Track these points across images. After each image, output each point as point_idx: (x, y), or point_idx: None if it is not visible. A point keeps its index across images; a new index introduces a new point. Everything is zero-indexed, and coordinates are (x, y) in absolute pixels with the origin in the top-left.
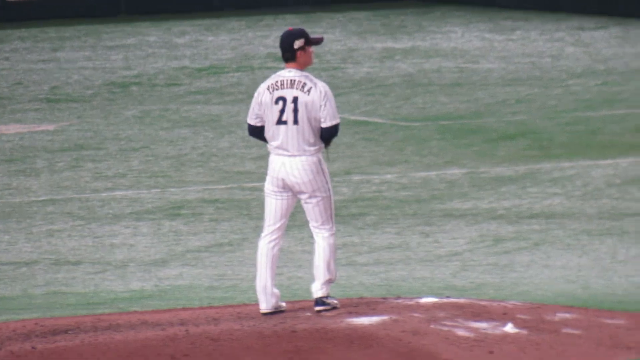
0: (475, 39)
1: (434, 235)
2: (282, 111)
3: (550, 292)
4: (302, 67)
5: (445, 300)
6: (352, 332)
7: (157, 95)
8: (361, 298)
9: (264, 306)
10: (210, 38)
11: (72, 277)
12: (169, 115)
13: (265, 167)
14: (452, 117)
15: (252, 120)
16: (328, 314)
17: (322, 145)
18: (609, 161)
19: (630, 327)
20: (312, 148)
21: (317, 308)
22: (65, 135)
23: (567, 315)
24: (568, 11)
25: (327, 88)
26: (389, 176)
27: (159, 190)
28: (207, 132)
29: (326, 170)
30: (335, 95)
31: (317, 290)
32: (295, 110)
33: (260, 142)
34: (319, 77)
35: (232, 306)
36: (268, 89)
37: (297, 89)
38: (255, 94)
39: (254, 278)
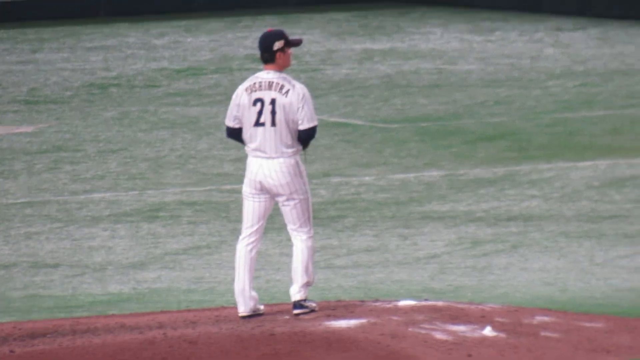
0: (454, 40)
1: (412, 237)
2: (260, 113)
3: (529, 295)
4: (280, 69)
5: (423, 303)
6: (331, 335)
7: (136, 96)
8: (339, 301)
9: (242, 309)
10: (189, 39)
11: (50, 280)
12: (148, 116)
13: (244, 169)
14: (431, 118)
15: (230, 122)
16: (306, 317)
17: (300, 147)
18: (588, 163)
19: (608, 331)
20: (290, 150)
21: (296, 311)
22: (43, 137)
23: (546, 319)
24: (547, 12)
25: (305, 90)
26: (367, 178)
27: (137, 192)
28: (185, 134)
29: (304, 173)
30: (314, 97)
31: (296, 293)
32: (273, 112)
33: (238, 144)
34: (298, 78)
35: (210, 309)
36: (246, 90)
37: (275, 90)
38: (234, 96)
39: (232, 281)
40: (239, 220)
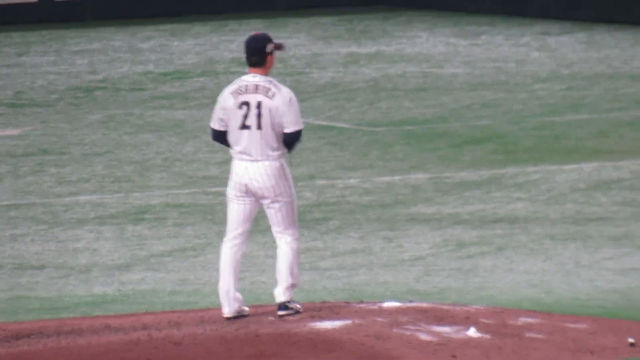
0: (440, 44)
1: (398, 240)
2: (245, 116)
3: (514, 297)
4: (267, 72)
5: (408, 304)
6: (315, 336)
7: (122, 100)
8: (324, 302)
9: (227, 310)
10: (175, 43)
11: (35, 281)
12: (133, 120)
13: (229, 172)
14: (417, 122)
15: (216, 125)
16: (291, 318)
17: (286, 150)
18: (574, 166)
19: (593, 332)
20: (276, 153)
21: (280, 312)
22: (29, 140)
23: (530, 320)
24: (533, 16)
25: (291, 94)
26: (352, 181)
27: (122, 195)
28: (171, 137)
29: (289, 175)
30: (300, 100)
31: (280, 294)
32: (259, 115)
33: (224, 147)
34: (284, 82)
35: (194, 311)
36: (232, 93)
37: (261, 94)
38: (219, 98)
39: (216, 282)
40: (224, 222)
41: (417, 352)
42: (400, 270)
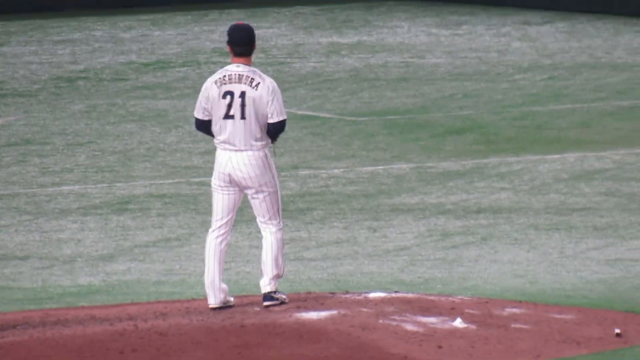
0: (421, 34)
1: (382, 230)
2: (229, 106)
3: (499, 287)
4: (250, 63)
5: (393, 295)
6: (301, 326)
7: (104, 90)
8: (309, 293)
9: (212, 301)
10: (156, 33)
11: (19, 272)
12: (116, 110)
13: (212, 161)
14: (399, 112)
15: (200, 114)
16: (277, 308)
17: (269, 140)
18: (556, 156)
19: (578, 322)
20: (259, 143)
21: (266, 303)
22: (11, 130)
23: (516, 310)
24: (514, 6)
25: (275, 84)
26: (336, 171)
27: (106, 185)
28: (154, 127)
29: (273, 165)
30: (282, 90)
31: (266, 285)
32: (243, 105)
33: (207, 137)
34: (266, 72)
35: (180, 301)
36: (215, 83)
37: (245, 83)
38: (203, 88)
39: (202, 273)
40: (208, 212)
41: (403, 342)
42: (385, 260)
